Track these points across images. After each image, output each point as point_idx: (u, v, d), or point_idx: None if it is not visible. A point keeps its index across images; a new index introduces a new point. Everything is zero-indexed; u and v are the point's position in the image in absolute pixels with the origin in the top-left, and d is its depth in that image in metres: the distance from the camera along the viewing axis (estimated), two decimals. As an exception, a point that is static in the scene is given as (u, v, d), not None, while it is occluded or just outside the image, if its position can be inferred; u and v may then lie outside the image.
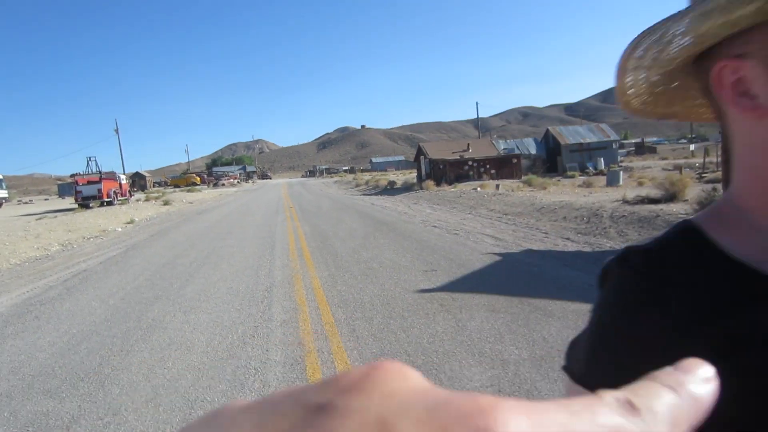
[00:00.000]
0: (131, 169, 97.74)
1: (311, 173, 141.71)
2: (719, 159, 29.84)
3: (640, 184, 21.52)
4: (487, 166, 34.44)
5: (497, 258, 8.95)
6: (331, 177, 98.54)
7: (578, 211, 13.29)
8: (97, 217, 25.30)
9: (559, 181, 29.84)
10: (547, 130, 46.46)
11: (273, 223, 17.62)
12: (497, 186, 25.60)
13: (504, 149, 43.01)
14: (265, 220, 19.34)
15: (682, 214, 10.30)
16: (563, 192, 21.24)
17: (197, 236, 15.40)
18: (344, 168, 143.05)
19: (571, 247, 9.70)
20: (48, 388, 4.60)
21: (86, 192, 36.37)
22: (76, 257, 13.32)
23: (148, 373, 4.74)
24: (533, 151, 46.41)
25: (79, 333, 6.21)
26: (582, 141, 43.18)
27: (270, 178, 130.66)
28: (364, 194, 34.68)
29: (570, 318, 5.42)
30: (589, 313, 0.63)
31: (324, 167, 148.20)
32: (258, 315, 6.36)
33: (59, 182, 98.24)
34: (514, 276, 7.54)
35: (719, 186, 10.31)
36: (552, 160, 43.99)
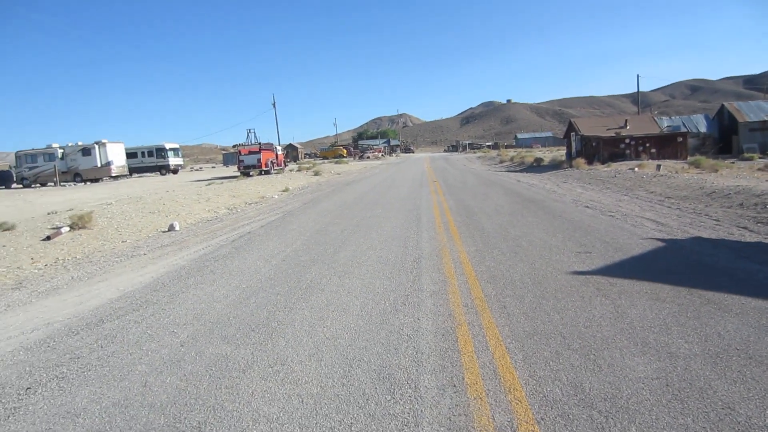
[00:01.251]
0: (284, 141, 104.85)
1: (454, 148, 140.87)
2: None
3: (841, 169, 18.43)
4: (647, 145, 31.51)
5: (660, 244, 8.25)
6: (474, 152, 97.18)
7: (759, 198, 11.74)
8: (256, 185, 27.61)
9: (733, 163, 26.56)
10: (722, 106, 41.32)
11: (418, 196, 17.92)
12: (658, 166, 23.43)
13: (668, 126, 39.16)
14: (410, 193, 19.73)
15: None
16: (739, 176, 18.88)
17: (346, 206, 16.16)
18: (487, 143, 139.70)
19: (750, 237, 8.62)
20: (225, 334, 5.17)
21: (248, 161, 39.85)
22: (241, 220, 14.69)
23: (309, 330, 5.12)
24: (703, 130, 41.64)
25: (248, 288, 6.88)
26: (766, 118, 37.79)
27: (413, 152, 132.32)
28: (508, 171, 33.84)
29: (751, 315, 4.85)
30: None
31: (467, 142, 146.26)
32: (408, 284, 6.54)
33: (224, 152, 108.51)
34: (680, 264, 6.90)
35: None
36: (726, 139, 39.13)
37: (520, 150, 75.94)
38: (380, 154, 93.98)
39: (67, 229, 12.91)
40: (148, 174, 48.81)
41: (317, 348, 4.66)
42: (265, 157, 40.42)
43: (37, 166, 41.99)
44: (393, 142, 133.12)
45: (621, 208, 12.57)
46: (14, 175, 43.17)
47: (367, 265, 7.77)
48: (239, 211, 17.42)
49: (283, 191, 24.84)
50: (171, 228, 13.81)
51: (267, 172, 39.77)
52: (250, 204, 19.79)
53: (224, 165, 79.05)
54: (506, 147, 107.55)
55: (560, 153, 46.74)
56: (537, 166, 35.21)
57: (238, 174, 39.47)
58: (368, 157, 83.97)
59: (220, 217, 16.23)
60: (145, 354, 4.79)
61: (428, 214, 12.99)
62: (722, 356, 4.05)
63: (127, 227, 13.98)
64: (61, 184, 40.16)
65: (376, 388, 3.85)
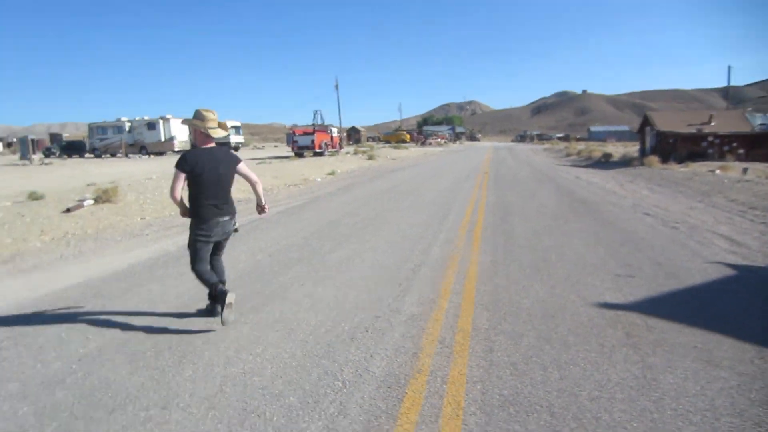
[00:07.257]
0: (350, 123, 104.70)
1: (521, 138, 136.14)
2: None
3: None
4: (734, 145, 28.13)
5: (730, 272, 6.49)
6: (542, 144, 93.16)
7: None
8: (304, 166, 26.79)
9: (835, 170, 23.17)
10: (826, 105, 36.76)
11: (458, 189, 16.39)
12: (744, 170, 20.64)
13: (761, 125, 35.19)
14: (452, 184, 18.18)
15: None
16: (842, 186, 16.11)
17: (375, 195, 14.90)
18: (558, 135, 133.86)
19: None
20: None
21: (301, 142, 39.45)
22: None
23: (227, 360, 3.94)
24: (803, 130, 37.18)
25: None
26: None
27: (478, 141, 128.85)
28: (573, 165, 31.40)
29: None
30: None
31: (536, 133, 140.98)
32: (386, 302, 5.23)
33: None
34: (753, 307, 5.19)
35: None
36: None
37: (590, 143, 71.63)
38: (443, 141, 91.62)
39: (91, 202, 12.37)
40: (211, 150, 49.31)
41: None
42: (318, 138, 39.87)
43: (106, 138, 43.63)
44: (459, 129, 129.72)
45: (689, 219, 10.63)
46: (87, 145, 45.05)
47: (355, 270, 6.51)
48: (274, 194, 16.57)
49: (329, 174, 23.90)
50: (194, 207, 13.06)
51: (320, 154, 39.16)
52: (288, 186, 18.92)
53: (287, 144, 79.82)
54: (578, 140, 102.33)
55: (634, 149, 43.27)
56: (605, 162, 32.54)
57: (292, 154, 39.08)
58: (430, 144, 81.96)
59: (251, 198, 15.42)
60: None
61: (458, 212, 11.49)
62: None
63: (152, 203, 13.39)
64: (129, 155, 41.34)
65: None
